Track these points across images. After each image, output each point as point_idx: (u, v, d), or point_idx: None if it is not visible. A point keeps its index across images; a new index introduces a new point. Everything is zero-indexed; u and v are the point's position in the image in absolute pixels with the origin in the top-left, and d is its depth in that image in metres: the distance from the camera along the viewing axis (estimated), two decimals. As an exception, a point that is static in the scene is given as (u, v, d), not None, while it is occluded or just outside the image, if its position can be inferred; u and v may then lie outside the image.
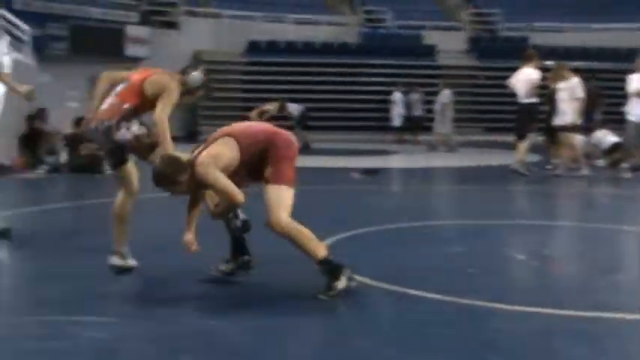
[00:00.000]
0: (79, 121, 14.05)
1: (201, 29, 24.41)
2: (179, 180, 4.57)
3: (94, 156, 12.76)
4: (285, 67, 24.02)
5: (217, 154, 4.57)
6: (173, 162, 4.61)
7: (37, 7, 19.97)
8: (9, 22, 15.57)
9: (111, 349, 3.60)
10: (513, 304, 4.43)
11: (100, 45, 20.74)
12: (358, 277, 4.97)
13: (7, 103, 11.89)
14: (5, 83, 7.55)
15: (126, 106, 5.18)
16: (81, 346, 3.62)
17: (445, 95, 19.22)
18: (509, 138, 14.15)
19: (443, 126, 19.04)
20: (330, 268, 4.54)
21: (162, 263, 5.53)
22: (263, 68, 24.11)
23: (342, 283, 4.50)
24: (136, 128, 5.25)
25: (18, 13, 16.79)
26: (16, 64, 13.30)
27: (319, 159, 16.15)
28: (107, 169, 12.54)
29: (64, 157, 12.76)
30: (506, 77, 12.95)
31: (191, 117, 23.32)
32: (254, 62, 24.36)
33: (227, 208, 4.75)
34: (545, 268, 5.79)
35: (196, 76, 5.40)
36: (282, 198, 4.64)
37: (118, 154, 5.16)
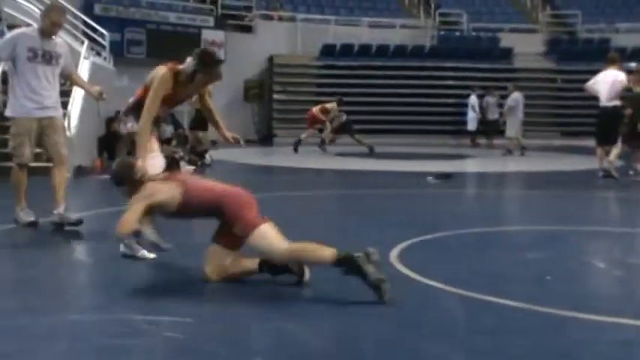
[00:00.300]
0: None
1: (276, 33, 24.60)
2: (127, 185, 5.03)
3: (168, 158, 12.98)
4: (359, 70, 24.02)
5: (154, 193, 4.86)
6: (125, 168, 5.10)
7: (115, 12, 20.45)
8: (89, 27, 15.95)
9: (185, 349, 3.63)
10: (592, 314, 4.30)
11: (176, 49, 21.01)
12: (431, 282, 4.92)
13: (88, 107, 12.22)
14: (77, 84, 7.77)
15: (132, 99, 5.36)
16: (156, 345, 3.66)
17: (513, 99, 18.97)
18: (587, 143, 13.86)
19: (512, 130, 18.81)
20: (348, 266, 4.46)
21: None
22: (337, 72, 24.15)
23: (371, 270, 4.39)
24: (130, 125, 5.39)
25: (97, 19, 17.24)
26: (95, 68, 13.64)
27: (393, 163, 16.10)
28: (183, 171, 12.77)
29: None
30: (586, 80, 12.66)
31: (266, 121, 23.53)
32: (328, 66, 24.42)
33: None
34: (626, 277, 5.61)
35: (189, 61, 5.51)
36: (266, 237, 4.67)
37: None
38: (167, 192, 4.86)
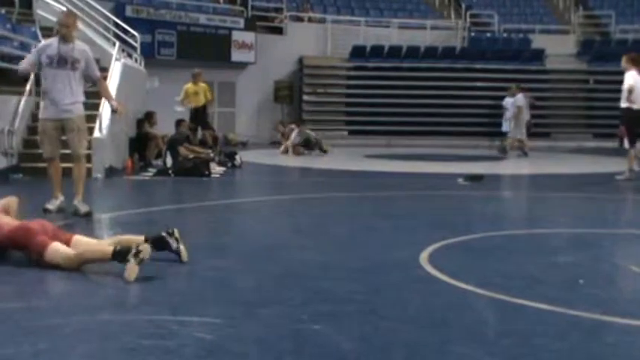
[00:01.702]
0: (179, 123, 14.42)
1: (306, 34, 24.62)
2: None
3: (198, 159, 13.04)
4: (389, 71, 23.96)
5: None
6: None
7: (146, 14, 20.58)
8: (120, 28, 16.07)
9: (216, 350, 3.63)
10: (625, 318, 4.24)
11: (207, 50, 21.22)
12: (462, 285, 4.88)
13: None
14: (101, 91, 8.44)
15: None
16: (187, 345, 3.67)
17: (519, 99, 18.94)
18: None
19: (517, 130, 18.76)
20: (121, 256, 5.02)
21: (267, 267, 5.56)
22: (367, 73, 24.12)
23: (141, 256, 4.98)
24: None
25: (129, 21, 17.36)
26: (126, 69, 13.73)
27: (424, 164, 16.04)
28: (214, 172, 12.84)
29: (169, 160, 13.01)
30: (619, 82, 12.54)
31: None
32: (358, 67, 24.40)
33: None
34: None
35: None
36: (58, 250, 5.28)
37: None
38: None
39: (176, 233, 5.53)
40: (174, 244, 5.49)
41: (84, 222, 7.48)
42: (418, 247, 6.00)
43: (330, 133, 21.92)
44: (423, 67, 24.07)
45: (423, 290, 4.41)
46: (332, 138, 20.83)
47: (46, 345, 3.65)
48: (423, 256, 5.74)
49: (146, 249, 5.05)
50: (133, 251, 4.99)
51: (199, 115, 16.14)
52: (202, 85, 16.26)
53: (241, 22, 23.13)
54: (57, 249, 5.28)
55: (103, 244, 5.53)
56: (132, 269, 4.93)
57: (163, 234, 5.50)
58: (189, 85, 16.09)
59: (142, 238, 5.49)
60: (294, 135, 18.17)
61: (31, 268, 5.16)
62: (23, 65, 7.97)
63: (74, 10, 14.80)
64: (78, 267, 5.21)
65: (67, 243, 5.45)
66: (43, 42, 8.10)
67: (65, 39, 7.69)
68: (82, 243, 5.49)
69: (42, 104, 7.97)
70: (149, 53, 18.54)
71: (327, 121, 23.40)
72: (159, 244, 5.45)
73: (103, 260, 5.19)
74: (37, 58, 7.75)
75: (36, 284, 5.05)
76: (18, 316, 4.15)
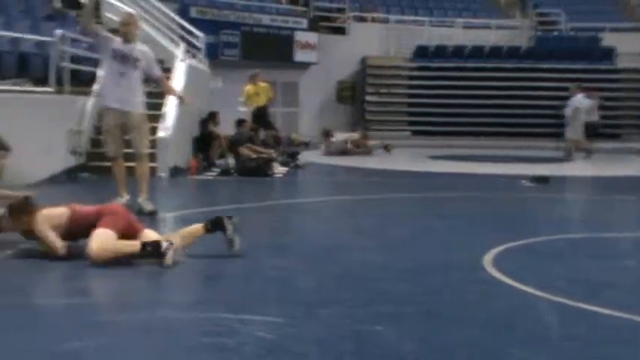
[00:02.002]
0: (240, 123, 14.53)
1: (369, 34, 24.56)
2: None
3: (261, 159, 13.11)
4: (452, 71, 23.75)
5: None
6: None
7: (211, 15, 20.78)
8: (185, 29, 16.27)
9: (275, 349, 3.64)
10: (695, 324, 4.12)
11: (270, 51, 21.34)
12: (524, 287, 4.81)
13: (184, 108, 12.47)
14: (164, 88, 8.71)
15: None
16: (247, 344, 3.69)
17: (578, 100, 18.47)
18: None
19: (574, 132, 18.31)
20: (152, 250, 5.25)
21: (327, 267, 5.57)
22: (430, 73, 23.95)
23: (169, 256, 5.24)
24: None
25: (193, 21, 17.54)
26: (191, 70, 13.89)
27: (488, 166, 15.84)
28: (276, 173, 12.90)
29: (232, 160, 13.11)
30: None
31: (359, 121, 23.52)
32: (422, 67, 24.24)
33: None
34: None
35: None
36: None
37: None
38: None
39: (235, 220, 5.66)
40: (229, 229, 5.60)
41: (148, 220, 7.58)
42: (480, 249, 5.93)
43: (393, 134, 21.82)
44: (487, 67, 23.78)
45: (485, 292, 4.36)
46: (395, 138, 20.73)
47: (108, 340, 3.72)
48: (486, 259, 5.67)
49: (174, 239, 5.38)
50: (165, 245, 5.26)
51: (261, 115, 16.26)
52: (262, 85, 16.38)
53: (304, 23, 23.19)
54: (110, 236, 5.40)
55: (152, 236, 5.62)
56: (169, 258, 5.23)
57: (222, 216, 5.66)
58: (249, 87, 16.23)
59: (200, 225, 5.67)
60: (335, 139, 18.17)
61: (94, 265, 5.25)
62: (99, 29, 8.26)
63: (140, 12, 15.08)
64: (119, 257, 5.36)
65: (137, 234, 5.57)
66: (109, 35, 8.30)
67: (126, 38, 7.92)
68: (150, 238, 5.59)
69: (101, 97, 8.22)
70: (213, 54, 18.71)
71: (389, 122, 23.32)
72: (216, 225, 5.61)
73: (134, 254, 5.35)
74: (106, 38, 7.98)
75: (98, 281, 5.15)
76: (81, 311, 4.24)
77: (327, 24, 24.58)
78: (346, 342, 3.77)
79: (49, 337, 3.76)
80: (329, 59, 23.20)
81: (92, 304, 4.43)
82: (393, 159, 17.09)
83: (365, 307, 4.43)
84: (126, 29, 7.96)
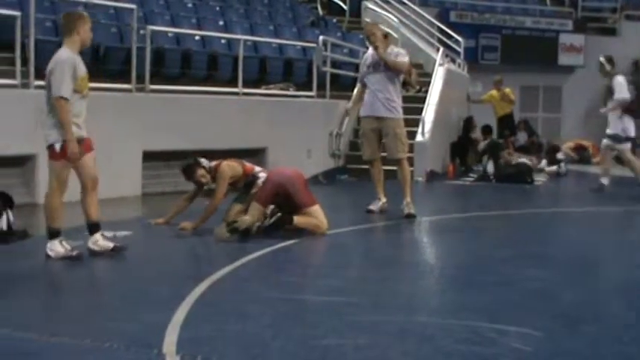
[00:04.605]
0: (486, 129, 14.26)
1: (642, 35, 23.03)
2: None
3: (521, 165, 12.75)
4: None
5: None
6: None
7: (471, 19, 20.58)
8: (444, 34, 16.26)
9: (532, 363, 3.48)
10: None
11: (532, 54, 20.72)
12: None
13: (442, 112, 12.48)
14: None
15: None
16: (503, 355, 3.56)
17: None
18: None
19: None
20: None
21: (590, 281, 5.26)
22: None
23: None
24: None
25: (453, 26, 17.47)
26: (449, 74, 13.85)
27: None
28: (537, 179, 12.49)
29: (489, 165, 12.81)
30: None
31: None
32: None
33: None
34: None
35: None
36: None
37: None
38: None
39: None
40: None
41: (405, 223, 7.63)
42: None
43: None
44: None
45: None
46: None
47: (367, 340, 3.75)
48: None
49: (243, 221, 6.23)
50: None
51: (508, 121, 15.94)
52: (506, 90, 16.03)
53: (570, 24, 22.25)
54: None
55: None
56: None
57: None
58: (494, 92, 15.95)
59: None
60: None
61: (352, 265, 5.33)
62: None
63: (400, 17, 15.31)
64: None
65: (307, 205, 6.56)
66: (366, 54, 8.62)
67: (371, 44, 8.14)
68: (316, 215, 6.60)
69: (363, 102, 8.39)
70: (472, 58, 18.53)
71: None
72: None
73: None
74: (362, 72, 8.44)
75: (357, 281, 5.24)
76: (341, 310, 4.32)
77: (596, 25, 23.37)
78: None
79: (310, 331, 3.87)
80: (596, 62, 22.04)
81: (351, 303, 4.49)
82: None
83: (628, 327, 4.11)
84: (370, 39, 8.15)
